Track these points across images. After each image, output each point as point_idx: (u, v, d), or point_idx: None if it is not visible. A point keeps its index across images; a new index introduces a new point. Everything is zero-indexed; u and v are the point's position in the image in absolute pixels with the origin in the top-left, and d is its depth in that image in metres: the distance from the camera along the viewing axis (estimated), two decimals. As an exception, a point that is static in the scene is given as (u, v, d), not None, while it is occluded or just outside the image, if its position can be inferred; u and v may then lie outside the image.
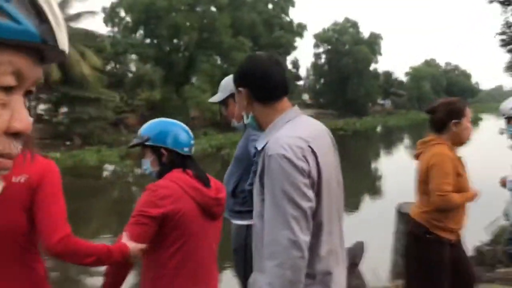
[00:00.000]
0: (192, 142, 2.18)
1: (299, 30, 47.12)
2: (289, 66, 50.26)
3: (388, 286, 3.86)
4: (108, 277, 2.05)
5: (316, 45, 59.42)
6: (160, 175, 2.11)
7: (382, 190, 13.06)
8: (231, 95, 2.64)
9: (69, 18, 28.07)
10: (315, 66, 60.70)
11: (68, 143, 24.07)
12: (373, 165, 19.80)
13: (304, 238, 1.45)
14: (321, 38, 58.28)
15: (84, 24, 37.87)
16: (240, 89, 1.66)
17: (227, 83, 2.75)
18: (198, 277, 2.09)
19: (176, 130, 2.15)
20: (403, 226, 3.89)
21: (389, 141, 31.70)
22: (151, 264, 2.06)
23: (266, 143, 1.55)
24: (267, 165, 1.51)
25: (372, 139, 34.12)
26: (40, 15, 0.51)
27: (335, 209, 1.63)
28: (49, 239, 1.73)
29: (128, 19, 37.08)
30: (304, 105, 61.73)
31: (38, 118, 26.43)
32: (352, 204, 11.21)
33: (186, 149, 2.14)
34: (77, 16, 28.06)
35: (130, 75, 33.45)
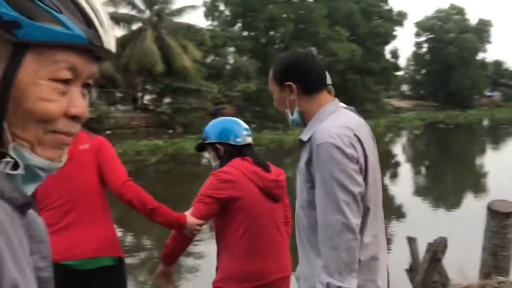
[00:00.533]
0: (245, 132, 2.37)
1: (399, 18, 45.30)
2: (388, 56, 48.53)
3: (473, 284, 3.78)
4: (166, 248, 2.34)
5: (418, 34, 56.71)
6: (221, 166, 2.34)
7: (483, 187, 12.35)
8: None
9: (172, 13, 29.65)
10: (415, 55, 57.99)
11: (170, 131, 25.52)
12: (475, 160, 18.65)
13: (356, 221, 1.53)
14: (422, 26, 55.47)
15: (186, 18, 39.38)
16: (287, 83, 1.72)
17: None
18: (267, 255, 2.26)
19: (226, 125, 2.40)
20: (494, 224, 3.78)
21: (497, 135, 29.45)
22: (223, 246, 2.30)
23: (312, 135, 1.63)
24: (316, 154, 1.58)
25: (476, 133, 31.96)
26: (88, 22, 0.66)
27: (378, 196, 1.69)
28: (114, 183, 2.21)
29: (226, 12, 38.22)
30: (402, 96, 59.24)
31: (144, 108, 28.38)
32: (451, 200, 10.78)
33: (238, 139, 2.35)
34: (179, 11, 29.53)
35: (228, 67, 34.50)
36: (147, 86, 29.59)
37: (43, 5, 0.62)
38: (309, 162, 1.62)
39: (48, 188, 2.14)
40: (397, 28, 44.93)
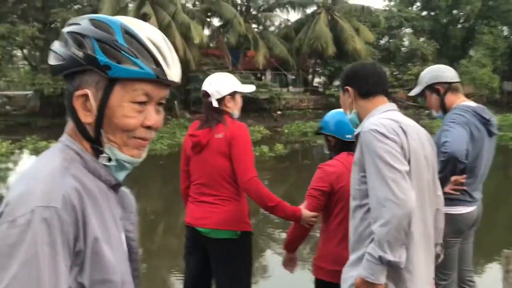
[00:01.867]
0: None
1: None
2: None
3: None
4: (288, 237, 2.65)
5: None
6: (331, 157, 2.56)
7: None
8: (428, 87, 2.88)
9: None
10: None
11: (337, 114, 25.57)
12: None
13: (403, 196, 1.63)
14: None
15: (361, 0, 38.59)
16: (345, 87, 1.97)
17: (423, 76, 2.94)
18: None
19: (341, 119, 2.48)
20: None
21: None
22: (324, 229, 2.53)
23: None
24: (362, 142, 1.75)
25: None
26: (156, 62, 0.95)
27: (427, 197, 1.79)
28: (241, 177, 2.55)
29: (405, -9, 36.35)
30: None
31: (313, 90, 28.95)
32: None
33: (348, 136, 2.46)
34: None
35: (402, 49, 33.04)
36: (317, 69, 30.07)
37: (125, 53, 0.93)
38: (361, 153, 1.78)
39: (194, 168, 2.71)
40: None
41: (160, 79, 0.95)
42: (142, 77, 0.94)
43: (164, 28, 20.49)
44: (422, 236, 1.78)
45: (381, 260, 1.66)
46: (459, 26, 34.82)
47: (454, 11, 34.66)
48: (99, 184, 0.96)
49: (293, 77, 30.21)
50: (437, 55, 31.07)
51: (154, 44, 0.96)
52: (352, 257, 1.86)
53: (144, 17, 20.96)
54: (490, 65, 29.49)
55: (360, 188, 1.81)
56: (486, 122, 2.75)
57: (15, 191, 0.86)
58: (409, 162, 1.72)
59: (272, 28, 29.70)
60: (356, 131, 1.89)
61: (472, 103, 2.85)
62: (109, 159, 0.98)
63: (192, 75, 22.03)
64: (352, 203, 1.88)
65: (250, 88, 2.83)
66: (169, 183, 10.32)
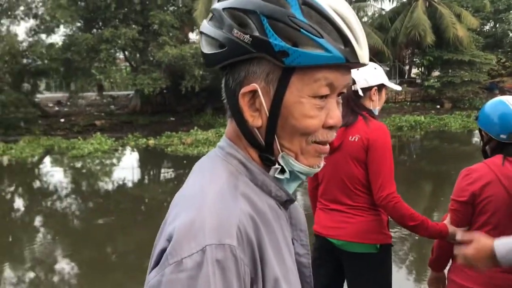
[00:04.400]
0: None
1: None
2: None
3: None
4: (433, 255, 2.26)
5: None
6: (484, 157, 2.10)
7: None
8: None
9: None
10: None
11: (437, 106, 24.19)
12: None
13: None
14: None
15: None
16: None
17: None
18: None
19: (497, 112, 2.03)
20: None
21: None
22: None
23: None
24: None
25: None
26: (344, 40, 0.72)
27: None
28: (377, 193, 2.19)
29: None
30: None
31: (410, 82, 27.55)
32: None
33: (503, 136, 1.99)
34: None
35: (511, 35, 30.32)
36: (414, 59, 28.58)
37: (306, 33, 0.70)
38: None
39: (324, 170, 2.27)
40: None
41: (349, 63, 0.73)
42: (328, 62, 0.71)
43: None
44: None
45: None
46: None
47: None
48: (269, 201, 0.79)
49: (388, 68, 29.00)
50: (553, 39, 28.08)
51: (341, 17, 0.72)
52: None
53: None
54: None
55: None
56: None
57: (178, 219, 0.69)
58: None
59: (365, 19, 28.67)
60: None
61: None
62: (282, 171, 0.79)
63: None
64: None
65: (397, 87, 2.49)
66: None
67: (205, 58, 0.79)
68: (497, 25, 30.67)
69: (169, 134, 16.80)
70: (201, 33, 0.80)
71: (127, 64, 24.05)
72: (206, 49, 0.78)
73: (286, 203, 0.82)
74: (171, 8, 22.69)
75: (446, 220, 2.13)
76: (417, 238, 5.30)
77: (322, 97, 0.74)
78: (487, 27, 30.97)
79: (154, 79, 19.09)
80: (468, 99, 24.58)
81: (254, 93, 0.75)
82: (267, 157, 0.78)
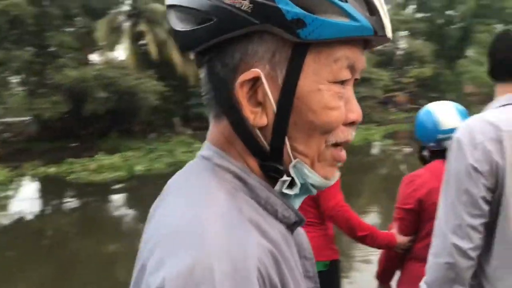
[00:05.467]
0: (441, 136, 2.01)
1: None
2: None
3: None
4: (380, 266, 2.22)
5: None
6: (422, 163, 2.12)
7: None
8: None
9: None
10: None
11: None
12: None
13: (466, 246, 1.28)
14: None
15: (355, 6, 38.42)
16: None
17: None
18: None
19: (420, 123, 2.07)
20: None
21: None
22: (408, 254, 2.09)
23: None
24: (449, 148, 1.36)
25: None
26: (370, 7, 0.56)
27: None
28: (324, 203, 2.12)
29: (398, -5, 36.40)
30: None
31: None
32: None
33: (432, 143, 2.04)
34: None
35: (399, 52, 32.93)
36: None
37: None
38: None
39: None
40: None
41: (376, 37, 0.57)
42: (355, 35, 0.55)
43: (161, 45, 20.36)
44: None
45: None
46: (455, 26, 34.67)
47: (449, 12, 34.61)
48: (278, 226, 0.59)
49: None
50: (435, 56, 30.93)
51: None
52: None
53: (140, 35, 20.87)
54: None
55: None
56: None
57: (168, 265, 0.47)
58: (502, 186, 1.28)
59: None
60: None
61: None
62: (291, 184, 0.60)
63: (192, 90, 21.83)
64: None
65: None
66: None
67: (180, 38, 0.60)
68: (386, 45, 33.13)
69: (71, 161, 15.87)
70: (170, 6, 0.61)
71: (22, 88, 22.51)
72: (181, 26, 0.59)
73: (294, 225, 0.63)
74: (69, 29, 21.70)
75: (393, 229, 2.10)
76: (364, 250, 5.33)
77: (343, 82, 0.58)
78: (379, 47, 33.28)
79: (54, 102, 18.05)
80: (367, 113, 26.16)
81: (255, 81, 0.56)
82: (273, 167, 0.59)
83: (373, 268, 2.32)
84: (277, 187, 0.60)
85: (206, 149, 0.63)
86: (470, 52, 33.25)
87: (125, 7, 22.91)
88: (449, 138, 2.00)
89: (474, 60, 29.97)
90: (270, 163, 0.59)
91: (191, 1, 0.57)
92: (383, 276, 2.22)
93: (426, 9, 34.87)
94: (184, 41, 0.60)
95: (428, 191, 1.97)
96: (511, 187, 1.27)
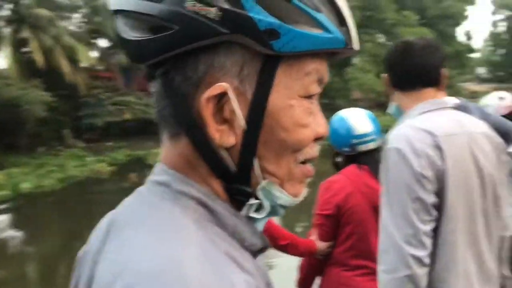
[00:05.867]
0: (355, 141, 2.06)
1: (472, -3, 42.68)
2: (462, 38, 45.96)
3: None
4: (301, 273, 2.20)
5: (495, 12, 53.24)
6: (336, 169, 2.16)
7: None
8: None
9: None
10: (493, 35, 54.47)
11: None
12: None
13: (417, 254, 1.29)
14: (500, 4, 51.96)
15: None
16: (383, 75, 1.55)
17: None
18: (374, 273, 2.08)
19: (334, 130, 2.11)
20: None
21: None
22: (328, 260, 2.12)
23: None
24: (384, 160, 1.37)
25: None
26: (341, 18, 0.54)
27: (482, 225, 1.37)
28: None
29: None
30: (479, 80, 55.89)
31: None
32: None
33: (346, 148, 2.08)
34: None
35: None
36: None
37: (299, 3, 0.50)
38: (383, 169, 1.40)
39: None
40: (470, 7, 42.41)
41: (346, 49, 0.54)
42: (329, 48, 0.52)
43: (47, 53, 19.09)
44: (477, 274, 1.37)
45: None
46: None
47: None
48: (246, 255, 0.54)
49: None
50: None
51: None
52: None
53: (24, 42, 19.39)
54: (374, 70, 31.61)
55: None
56: None
57: None
58: (444, 189, 1.31)
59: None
60: (378, 140, 1.50)
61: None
62: (258, 207, 0.55)
63: (83, 100, 20.73)
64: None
65: None
66: (63, 224, 9.33)
67: (131, 48, 0.52)
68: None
69: None
70: (117, 11, 0.53)
71: None
72: (132, 34, 0.51)
73: (259, 251, 0.58)
74: None
75: (312, 236, 2.09)
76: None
77: (311, 97, 0.55)
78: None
79: None
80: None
81: (221, 96, 0.51)
82: (240, 190, 0.54)
83: (294, 275, 2.31)
84: (243, 211, 0.55)
85: (161, 173, 0.55)
86: (356, 60, 35.59)
87: (5, 12, 21.17)
88: (362, 143, 2.04)
89: (360, 68, 32.15)
90: (237, 185, 0.54)
91: (145, 6, 0.50)
92: (304, 283, 2.23)
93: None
94: (136, 51, 0.52)
95: (345, 196, 2.01)
96: (453, 190, 1.31)
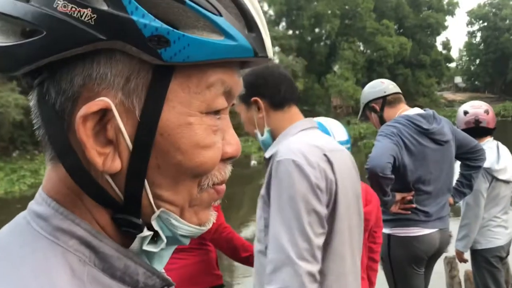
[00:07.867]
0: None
1: (450, 8, 43.63)
2: (439, 47, 46.84)
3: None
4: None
5: (470, 23, 54.43)
6: None
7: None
8: (366, 107, 2.68)
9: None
10: (468, 46, 55.69)
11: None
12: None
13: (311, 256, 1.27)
14: (475, 15, 53.18)
15: (231, 21, 39.56)
16: (253, 99, 1.51)
17: (361, 97, 2.75)
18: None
19: None
20: None
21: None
22: None
23: (275, 151, 1.40)
24: (275, 171, 1.34)
25: (539, 124, 30.12)
26: (249, 22, 0.46)
27: (356, 239, 1.41)
28: None
29: (271, 12, 38.15)
30: (456, 89, 57.04)
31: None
32: None
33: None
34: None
35: (273, 67, 34.49)
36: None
37: (197, 7, 0.42)
38: (269, 183, 1.36)
39: None
40: (448, 18, 43.28)
41: (256, 58, 0.46)
42: (232, 57, 0.44)
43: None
44: (352, 274, 1.40)
45: None
46: (322, 43, 37.26)
47: (317, 30, 37.12)
48: None
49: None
50: (306, 71, 32.86)
51: None
52: None
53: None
54: (353, 78, 32.00)
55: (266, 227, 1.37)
56: (424, 131, 2.39)
57: None
58: (335, 201, 1.33)
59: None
60: (269, 152, 1.44)
61: (411, 112, 2.50)
62: (154, 239, 0.48)
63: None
64: (257, 247, 1.43)
65: None
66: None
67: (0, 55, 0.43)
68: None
69: None
70: None
71: None
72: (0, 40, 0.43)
73: None
74: None
75: None
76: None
77: (217, 112, 0.47)
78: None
79: None
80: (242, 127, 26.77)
81: (104, 113, 0.43)
82: (128, 221, 0.46)
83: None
84: (134, 244, 0.47)
85: (41, 202, 0.46)
86: (336, 67, 35.99)
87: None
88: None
89: (340, 75, 32.50)
90: (125, 216, 0.46)
91: (12, 7, 0.42)
92: None
93: (296, 26, 37.01)
94: (3, 59, 0.43)
95: None
96: (342, 202, 1.33)
